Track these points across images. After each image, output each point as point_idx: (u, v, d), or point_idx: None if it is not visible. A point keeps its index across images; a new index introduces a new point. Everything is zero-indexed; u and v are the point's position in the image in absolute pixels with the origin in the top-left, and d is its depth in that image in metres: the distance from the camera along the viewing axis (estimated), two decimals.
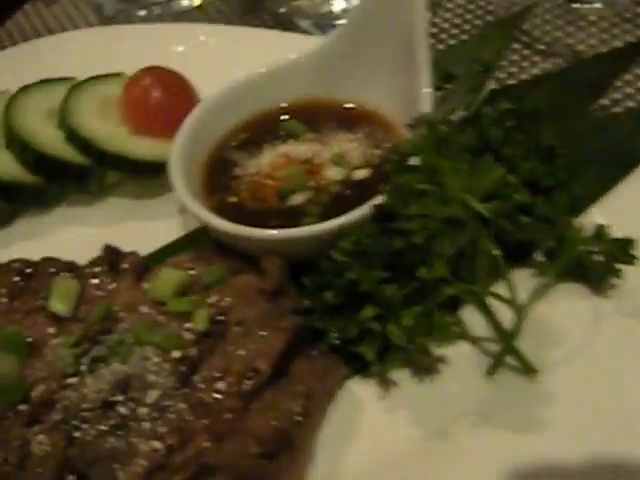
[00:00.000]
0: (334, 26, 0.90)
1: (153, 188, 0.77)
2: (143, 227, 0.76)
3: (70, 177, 0.78)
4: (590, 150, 0.70)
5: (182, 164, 0.69)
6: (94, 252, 0.68)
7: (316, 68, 0.75)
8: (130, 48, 0.92)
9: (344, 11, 0.91)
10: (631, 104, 0.81)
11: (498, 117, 0.63)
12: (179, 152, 0.69)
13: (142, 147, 0.76)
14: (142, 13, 1.08)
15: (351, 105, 0.75)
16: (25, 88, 0.84)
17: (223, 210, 0.67)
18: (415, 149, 0.59)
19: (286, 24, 0.96)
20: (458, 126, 0.63)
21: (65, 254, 0.69)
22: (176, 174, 0.68)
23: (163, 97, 0.77)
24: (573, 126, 0.71)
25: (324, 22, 0.92)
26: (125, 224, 0.77)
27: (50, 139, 0.78)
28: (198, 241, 0.70)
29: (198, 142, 0.72)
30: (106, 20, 1.07)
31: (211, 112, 0.73)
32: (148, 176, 0.77)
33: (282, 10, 0.96)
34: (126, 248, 0.68)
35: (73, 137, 0.77)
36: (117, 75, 0.84)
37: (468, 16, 0.94)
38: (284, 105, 0.76)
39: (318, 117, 0.74)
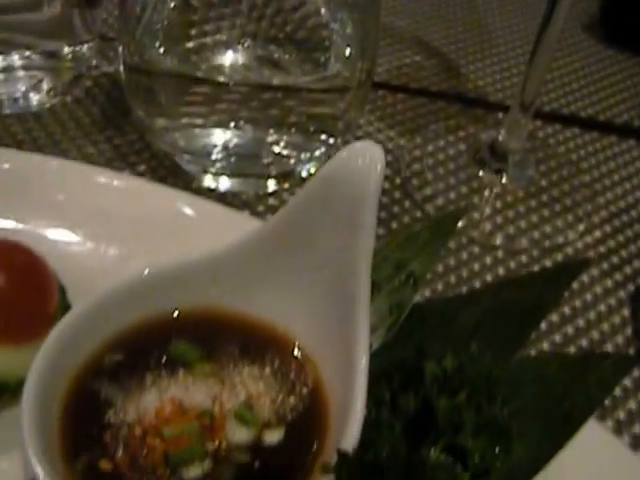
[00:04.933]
0: (213, 162, 0.76)
1: None
2: None
3: None
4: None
5: (37, 406, 0.47)
6: None
7: (223, 270, 0.57)
8: None
9: (224, 146, 0.76)
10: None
11: (442, 379, 0.49)
12: (35, 385, 0.48)
13: None
14: None
15: (260, 325, 0.57)
16: None
17: None
18: None
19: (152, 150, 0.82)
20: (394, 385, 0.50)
21: None
22: (29, 423, 0.46)
23: (8, 285, 0.54)
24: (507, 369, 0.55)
25: (203, 158, 0.77)
26: None
27: None
28: None
29: (61, 368, 0.51)
30: None
31: (82, 326, 0.52)
32: None
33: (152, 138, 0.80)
34: None
35: None
36: None
37: (395, 209, 0.80)
38: (174, 317, 0.57)
39: (216, 338, 0.56)
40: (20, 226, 0.63)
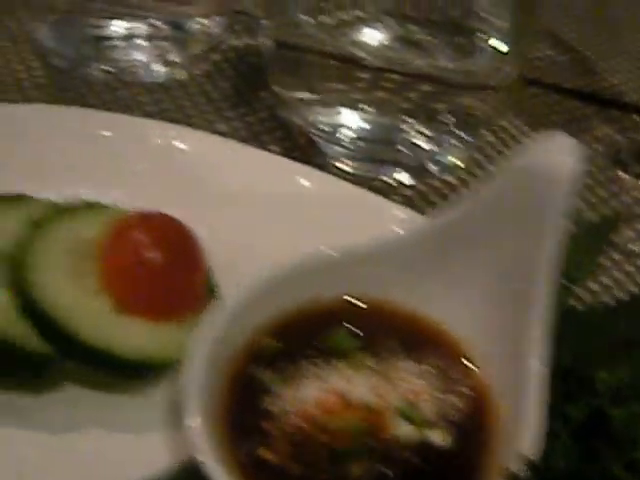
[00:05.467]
0: (347, 142, 0.75)
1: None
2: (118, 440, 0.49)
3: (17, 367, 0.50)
4: None
5: (201, 388, 0.46)
6: None
7: (390, 262, 0.55)
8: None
9: (358, 128, 0.74)
10: None
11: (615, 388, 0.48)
12: (199, 367, 0.47)
13: (133, 336, 0.50)
14: (103, 73, 0.81)
15: (424, 321, 0.55)
16: None
17: (253, 475, 0.45)
18: None
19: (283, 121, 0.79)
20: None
21: None
22: (193, 408, 0.45)
23: (165, 262, 0.52)
24: None
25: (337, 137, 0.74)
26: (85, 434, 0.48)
27: None
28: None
29: (222, 352, 0.49)
30: (55, 74, 0.81)
31: (242, 310, 0.51)
32: (135, 377, 0.52)
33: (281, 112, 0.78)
34: None
35: (30, 309, 0.49)
36: (91, 206, 0.56)
37: None
38: (334, 305, 0.55)
39: (377, 330, 0.53)
40: (164, 204, 0.57)
